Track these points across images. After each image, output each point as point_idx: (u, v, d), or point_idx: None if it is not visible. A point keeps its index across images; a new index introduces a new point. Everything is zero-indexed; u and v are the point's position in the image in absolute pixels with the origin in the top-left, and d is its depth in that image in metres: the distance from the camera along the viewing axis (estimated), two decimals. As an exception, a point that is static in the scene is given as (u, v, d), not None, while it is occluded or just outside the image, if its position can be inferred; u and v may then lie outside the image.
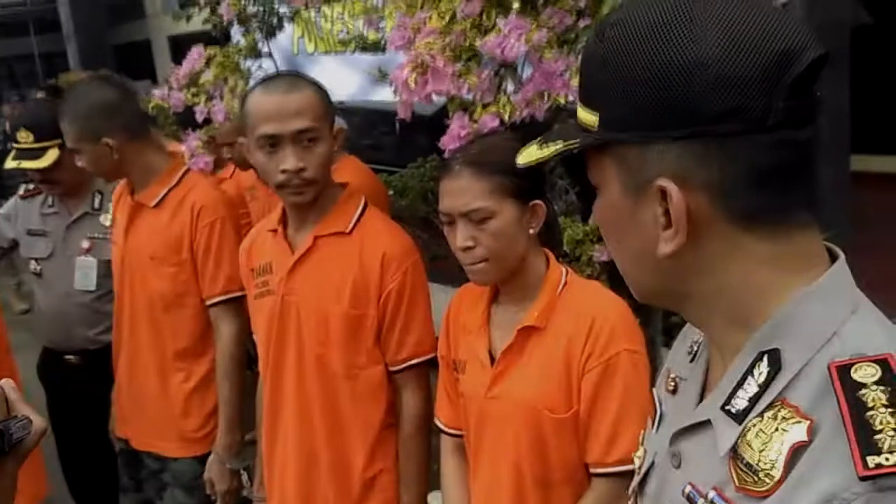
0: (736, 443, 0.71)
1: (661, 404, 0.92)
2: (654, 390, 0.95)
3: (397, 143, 5.31)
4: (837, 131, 3.38)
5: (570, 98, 1.53)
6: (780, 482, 0.66)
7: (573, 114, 0.82)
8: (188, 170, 2.16)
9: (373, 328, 1.75)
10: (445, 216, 1.43)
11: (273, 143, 1.64)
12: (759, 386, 0.71)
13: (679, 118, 0.68)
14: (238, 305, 2.06)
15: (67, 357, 2.55)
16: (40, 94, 6.01)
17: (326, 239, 1.76)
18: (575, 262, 1.96)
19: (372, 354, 1.77)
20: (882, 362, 0.65)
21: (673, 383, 0.90)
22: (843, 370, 0.66)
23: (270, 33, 2.01)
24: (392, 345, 1.76)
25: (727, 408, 0.74)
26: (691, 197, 0.69)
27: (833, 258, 0.74)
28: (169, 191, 2.13)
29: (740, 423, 0.71)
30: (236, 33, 2.48)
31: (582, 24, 1.55)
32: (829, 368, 0.67)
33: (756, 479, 0.69)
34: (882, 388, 0.63)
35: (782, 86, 0.66)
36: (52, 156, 2.39)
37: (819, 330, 0.70)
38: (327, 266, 1.76)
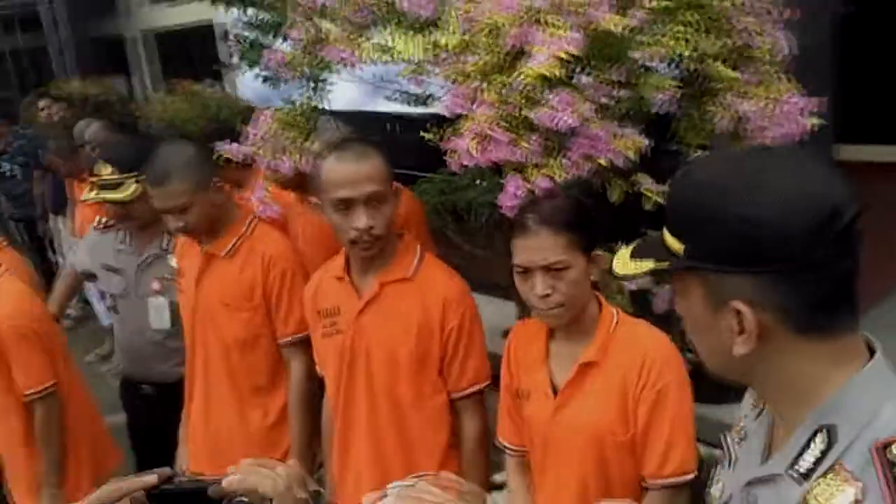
0: (805, 496, 0.93)
1: (732, 448, 1.15)
2: (726, 435, 1.18)
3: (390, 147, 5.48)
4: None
5: (611, 159, 1.75)
6: None
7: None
8: (254, 218, 2.32)
9: (436, 362, 1.97)
10: (522, 268, 1.64)
11: (347, 205, 1.85)
12: (820, 453, 0.93)
13: (752, 258, 0.89)
14: (307, 343, 2.25)
15: (143, 387, 2.70)
16: (43, 103, 5.93)
17: (391, 285, 1.97)
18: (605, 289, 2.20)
19: (436, 385, 1.99)
20: None
21: (742, 432, 1.13)
22: (881, 450, 0.88)
23: (316, 89, 2.19)
24: (454, 375, 1.98)
25: (793, 469, 0.96)
26: (760, 315, 0.91)
27: (870, 348, 0.96)
28: (239, 240, 2.30)
29: (805, 481, 0.94)
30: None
31: (622, 93, 1.77)
32: (870, 449, 0.89)
33: None
34: None
35: (831, 235, 0.88)
36: (131, 189, 2.49)
37: (865, 410, 0.91)
38: (393, 309, 1.97)
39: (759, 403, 1.11)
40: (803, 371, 0.95)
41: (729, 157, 1.05)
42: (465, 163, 1.75)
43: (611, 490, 1.69)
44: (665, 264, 0.99)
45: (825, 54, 3.19)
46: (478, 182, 3.62)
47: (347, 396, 2.05)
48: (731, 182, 0.92)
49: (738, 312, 0.93)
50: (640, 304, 2.16)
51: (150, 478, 0.87)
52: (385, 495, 0.61)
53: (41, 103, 6.01)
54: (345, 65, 1.96)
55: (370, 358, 2.00)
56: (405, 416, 2.00)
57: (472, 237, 3.76)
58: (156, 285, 2.61)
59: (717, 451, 1.18)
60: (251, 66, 2.47)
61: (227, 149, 2.17)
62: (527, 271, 1.64)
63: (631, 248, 1.09)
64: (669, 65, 1.87)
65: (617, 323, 1.71)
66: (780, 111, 1.80)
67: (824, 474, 0.92)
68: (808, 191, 0.90)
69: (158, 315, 2.62)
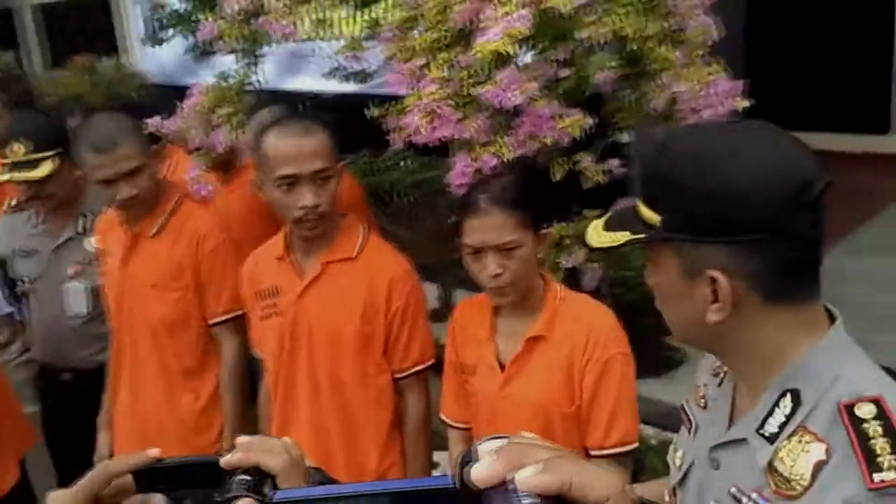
0: (771, 459, 0.98)
1: (693, 415, 1.19)
2: (685, 403, 1.23)
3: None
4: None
5: (554, 138, 1.78)
6: (807, 489, 0.93)
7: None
8: (180, 197, 2.24)
9: (381, 342, 1.96)
10: (473, 248, 1.65)
11: (291, 182, 1.81)
12: (785, 416, 0.98)
13: (727, 227, 0.94)
14: (239, 323, 2.20)
15: (62, 374, 2.57)
16: None
17: (335, 264, 1.95)
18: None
19: (380, 364, 1.98)
20: (876, 402, 0.93)
21: (703, 400, 1.17)
22: (849, 408, 0.93)
23: (251, 64, 2.13)
24: (398, 355, 1.98)
25: (761, 431, 1.00)
26: (734, 283, 0.95)
27: (831, 317, 1.02)
28: (167, 218, 2.22)
29: (772, 444, 0.98)
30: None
31: (562, 73, 1.81)
32: (838, 407, 0.94)
33: (789, 486, 0.95)
34: (878, 422, 0.90)
35: (803, 205, 0.93)
36: (47, 167, 2.35)
37: (826, 375, 0.97)
38: (337, 289, 1.95)
39: (721, 371, 1.15)
40: (770, 338, 0.99)
41: (704, 130, 1.08)
42: (415, 140, 1.75)
43: (558, 461, 1.73)
44: (641, 235, 1.02)
45: (738, 39, 3.35)
46: (402, 163, 3.63)
47: (288, 378, 2.02)
48: (709, 154, 0.96)
49: (714, 281, 0.96)
50: (569, 280, 2.22)
51: (139, 457, 0.83)
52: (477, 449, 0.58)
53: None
54: (285, 38, 1.91)
55: (312, 338, 1.97)
56: (348, 396, 1.98)
57: (395, 219, 3.77)
58: (71, 270, 2.49)
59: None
60: (186, 35, 2.37)
61: (153, 123, 2.09)
62: (478, 251, 1.65)
63: (604, 220, 1.12)
64: (607, 46, 1.91)
65: (562, 298, 1.75)
66: (712, 93, 1.87)
67: (790, 436, 0.97)
68: (782, 162, 0.94)
69: (75, 300, 2.50)
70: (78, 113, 4.19)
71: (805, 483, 0.94)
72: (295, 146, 1.80)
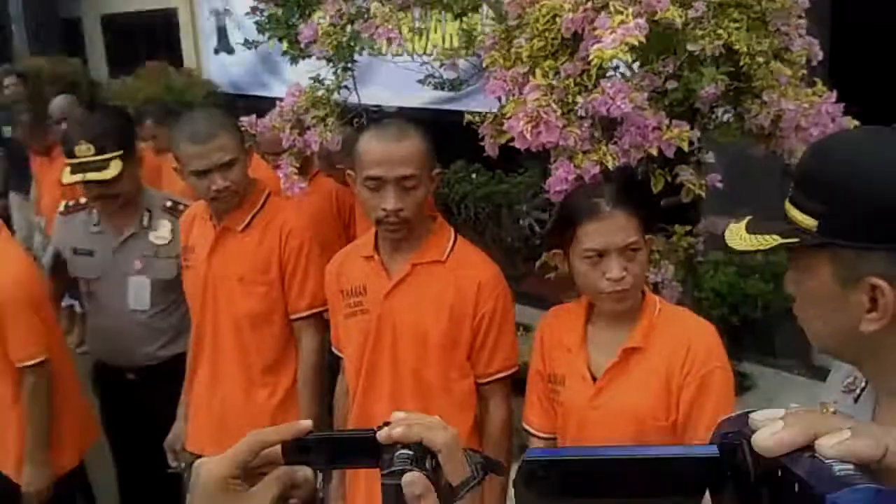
0: None
1: None
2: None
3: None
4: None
5: (660, 148, 1.77)
6: None
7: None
8: (269, 193, 2.27)
9: (466, 346, 1.95)
10: (595, 252, 1.62)
11: (377, 184, 1.83)
12: None
13: (893, 234, 0.91)
14: (321, 319, 2.21)
15: (127, 374, 2.57)
16: (9, 80, 5.72)
17: (423, 266, 1.95)
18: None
19: (463, 369, 1.97)
20: None
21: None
22: None
23: (346, 69, 2.16)
24: (483, 360, 1.97)
25: None
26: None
27: None
28: (255, 214, 2.25)
29: None
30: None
31: (669, 86, 1.80)
32: None
33: None
34: None
35: None
36: (116, 167, 2.38)
37: None
38: (424, 290, 1.95)
39: (856, 387, 1.11)
40: None
41: (869, 134, 1.06)
42: (518, 146, 1.75)
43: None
44: (794, 239, 0.99)
45: (826, 62, 3.34)
46: (474, 176, 3.65)
47: (369, 378, 2.01)
48: (874, 157, 0.93)
49: (874, 289, 0.93)
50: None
51: (290, 428, 0.82)
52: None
53: (6, 80, 5.78)
54: (389, 43, 1.93)
55: (397, 339, 1.97)
56: (430, 398, 1.97)
57: (462, 231, 3.77)
58: (138, 264, 2.51)
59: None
60: (280, 39, 2.42)
61: (249, 121, 2.12)
62: (600, 255, 1.63)
63: (745, 222, 1.10)
64: (712, 60, 1.90)
65: (660, 310, 1.73)
66: (823, 111, 1.85)
67: None
68: None
69: (139, 294, 2.52)
70: (152, 115, 4.31)
71: None
72: (385, 150, 1.82)
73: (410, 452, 0.77)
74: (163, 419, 2.48)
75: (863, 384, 1.10)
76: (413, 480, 0.73)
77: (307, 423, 0.82)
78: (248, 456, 0.80)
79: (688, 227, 2.25)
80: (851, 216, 0.94)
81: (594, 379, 1.73)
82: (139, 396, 2.56)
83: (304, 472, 0.82)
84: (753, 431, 0.50)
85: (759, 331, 3.36)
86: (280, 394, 2.30)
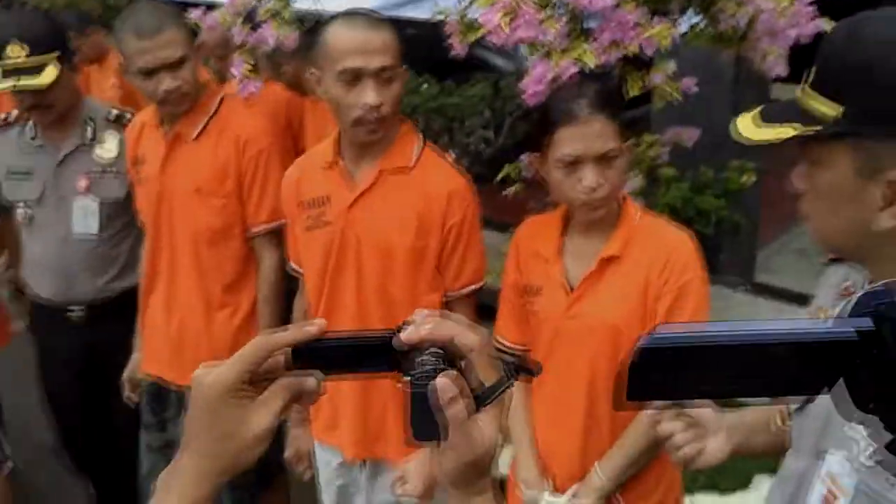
0: None
1: None
2: None
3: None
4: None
5: (640, 47, 1.68)
6: None
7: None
8: (223, 97, 2.10)
9: (433, 258, 1.87)
10: (571, 158, 1.54)
11: (355, 76, 1.69)
12: None
13: None
14: (280, 235, 2.09)
15: (70, 310, 2.34)
16: None
17: (390, 174, 1.84)
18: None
19: (431, 282, 1.89)
20: None
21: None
22: None
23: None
24: (451, 273, 1.89)
25: None
26: None
27: None
28: (209, 120, 2.08)
29: None
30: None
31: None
32: None
33: None
34: None
35: None
36: (51, 73, 2.12)
37: None
38: (391, 200, 1.84)
39: (853, 290, 1.08)
40: None
41: None
42: (494, 40, 1.63)
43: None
44: (816, 128, 0.93)
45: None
46: (424, 86, 3.49)
47: (332, 294, 1.92)
48: None
49: (892, 184, 0.88)
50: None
51: (300, 331, 0.73)
52: None
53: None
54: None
55: (361, 251, 1.87)
56: (397, 313, 1.89)
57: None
58: (82, 182, 2.27)
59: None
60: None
61: (196, 15, 1.94)
62: (575, 163, 1.55)
63: (757, 111, 1.03)
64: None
65: (640, 218, 1.68)
66: (798, 11, 1.78)
67: None
68: None
69: (85, 218, 2.28)
70: (70, 26, 3.95)
71: None
72: (362, 38, 1.68)
73: (441, 352, 0.69)
74: (114, 368, 2.30)
75: (853, 284, 1.07)
76: (446, 384, 0.66)
77: (321, 323, 0.74)
78: (257, 360, 0.72)
79: (655, 136, 2.19)
80: (880, 103, 0.88)
81: (571, 289, 1.68)
82: (86, 340, 2.35)
83: (312, 380, 0.74)
84: None
85: (706, 247, 3.38)
86: (241, 314, 2.19)
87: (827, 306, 1.13)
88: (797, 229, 4.74)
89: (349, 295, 1.90)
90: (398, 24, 1.87)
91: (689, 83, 1.85)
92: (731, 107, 3.66)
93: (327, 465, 2.05)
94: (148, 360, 2.28)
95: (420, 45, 2.23)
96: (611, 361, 1.66)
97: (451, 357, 0.69)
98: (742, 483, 2.66)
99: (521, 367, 0.72)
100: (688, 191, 3.30)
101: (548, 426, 1.77)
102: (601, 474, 1.66)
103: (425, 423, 0.68)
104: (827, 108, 0.92)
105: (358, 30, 1.69)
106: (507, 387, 0.70)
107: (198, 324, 2.18)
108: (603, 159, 1.54)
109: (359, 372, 0.76)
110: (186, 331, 2.19)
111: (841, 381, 0.49)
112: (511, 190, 2.43)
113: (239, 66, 2.01)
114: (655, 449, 1.67)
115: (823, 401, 1.08)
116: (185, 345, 2.19)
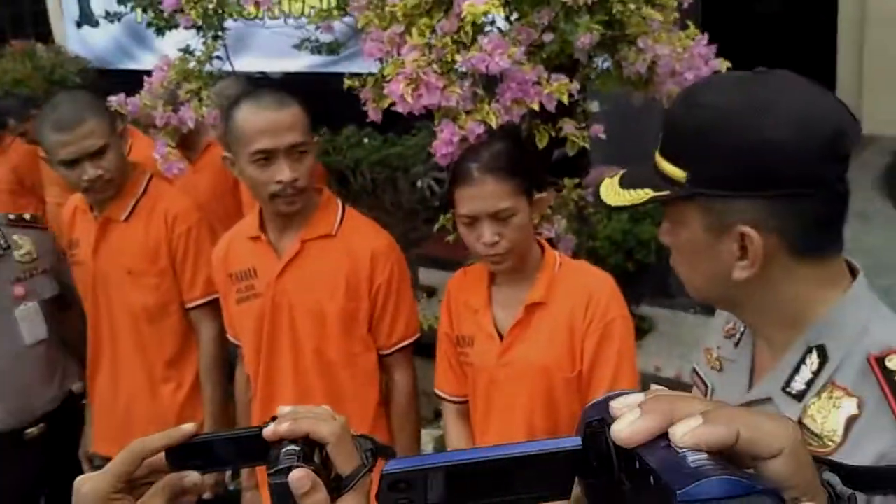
0: (801, 416, 0.95)
1: (708, 378, 1.15)
2: (696, 367, 1.19)
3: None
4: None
5: (541, 103, 1.75)
6: (840, 444, 0.91)
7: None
8: (151, 177, 2.13)
9: (366, 319, 1.91)
10: (468, 218, 1.62)
11: (267, 157, 1.74)
12: (812, 373, 0.95)
13: (761, 181, 0.90)
14: (217, 306, 2.11)
15: (29, 432, 2.19)
16: None
17: (314, 242, 1.88)
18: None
19: (366, 342, 1.93)
20: None
21: (718, 363, 1.14)
22: (880, 360, 0.91)
23: (217, 37, 2.04)
24: (384, 331, 1.93)
25: (787, 390, 0.98)
26: (765, 238, 0.91)
27: (852, 270, 0.99)
28: (137, 201, 2.10)
29: (800, 401, 0.96)
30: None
31: (546, 38, 1.77)
32: (868, 360, 0.91)
33: (821, 442, 0.93)
34: None
35: (837, 157, 0.90)
36: None
37: (853, 329, 0.94)
38: (318, 267, 1.88)
39: (736, 332, 1.11)
40: (797, 294, 0.97)
41: (730, 81, 1.04)
42: (401, 109, 1.69)
43: (558, 429, 1.71)
44: (665, 192, 0.97)
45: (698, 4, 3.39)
46: (366, 140, 3.56)
47: (270, 361, 1.95)
48: (739, 106, 0.91)
49: (743, 237, 0.92)
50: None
51: (172, 434, 0.76)
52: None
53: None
54: (257, 7, 1.82)
55: (294, 319, 1.90)
56: (335, 376, 1.92)
57: (358, 197, 3.69)
58: (19, 290, 2.14)
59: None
60: (144, 10, 2.25)
61: (117, 101, 1.98)
62: (473, 221, 1.62)
63: (617, 177, 1.07)
64: (587, 10, 1.89)
65: (560, 264, 1.73)
66: (695, 54, 1.87)
67: (818, 393, 0.95)
68: (815, 112, 0.90)
69: (32, 324, 2.16)
70: (12, 113, 3.96)
71: (838, 439, 0.92)
72: (270, 119, 1.73)
73: (297, 448, 0.72)
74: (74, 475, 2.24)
75: (742, 328, 1.11)
76: (300, 477, 0.68)
77: (189, 427, 0.77)
78: (130, 467, 0.74)
79: (576, 180, 2.26)
80: (718, 166, 0.92)
81: (501, 337, 1.73)
82: (43, 461, 2.23)
83: (192, 476, 0.76)
84: (614, 419, 0.47)
85: (653, 274, 3.44)
86: (185, 388, 2.20)
87: (713, 346, 1.18)
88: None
89: (286, 361, 1.93)
90: (337, 79, 1.91)
91: (598, 129, 1.92)
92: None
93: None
94: (98, 439, 2.27)
95: (360, 99, 2.28)
96: (547, 399, 1.70)
97: (312, 448, 0.73)
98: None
99: (378, 451, 0.76)
100: (626, 222, 3.37)
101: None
102: None
103: None
104: (675, 172, 0.96)
105: (266, 111, 1.74)
106: (368, 470, 0.73)
107: (144, 400, 2.18)
108: (497, 217, 1.60)
109: (233, 467, 0.79)
110: (133, 408, 2.19)
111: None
112: (450, 238, 2.49)
113: (161, 148, 2.05)
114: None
115: None
116: (134, 422, 2.18)
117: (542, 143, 1.86)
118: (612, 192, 1.05)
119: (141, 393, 2.18)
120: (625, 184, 1.04)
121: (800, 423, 0.95)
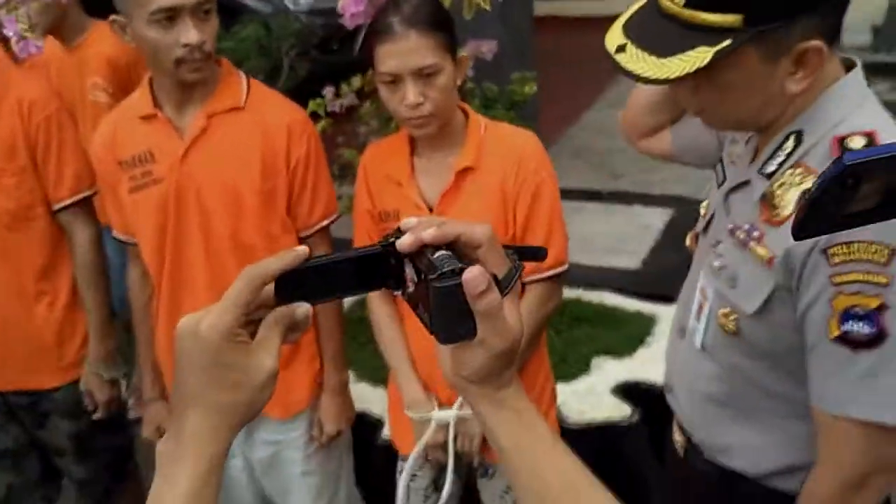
0: (766, 191, 1.08)
1: (723, 170, 1.26)
2: (722, 159, 1.28)
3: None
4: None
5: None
6: (790, 216, 1.02)
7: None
8: None
9: (284, 197, 1.79)
10: (390, 76, 1.53)
11: (170, 16, 1.54)
12: (786, 155, 1.08)
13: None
14: (90, 206, 1.89)
15: None
16: None
17: (221, 116, 1.72)
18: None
19: (285, 223, 1.82)
20: (869, 135, 1.05)
21: (734, 156, 1.25)
22: (841, 140, 1.03)
23: None
24: (304, 211, 1.83)
25: (761, 171, 1.10)
26: (823, 45, 1.00)
27: (849, 67, 1.10)
28: None
29: (769, 179, 1.08)
30: None
31: None
32: (830, 141, 1.04)
33: (775, 212, 1.06)
34: None
35: None
36: None
37: (834, 117, 1.06)
38: (228, 143, 1.73)
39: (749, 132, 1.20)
40: (817, 90, 1.06)
41: None
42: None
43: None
44: (725, 43, 0.97)
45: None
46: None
47: (177, 253, 1.78)
48: None
49: (803, 53, 0.99)
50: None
51: (285, 258, 0.70)
52: None
53: None
54: None
55: (204, 203, 1.75)
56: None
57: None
58: None
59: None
60: None
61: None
62: (395, 80, 1.54)
63: (634, 49, 1.03)
64: None
65: (486, 127, 1.72)
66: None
67: (784, 171, 1.06)
68: None
69: None
70: None
71: (788, 211, 1.03)
72: None
73: (449, 252, 0.68)
74: None
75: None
76: (476, 275, 0.65)
77: (304, 249, 0.71)
78: (251, 295, 0.68)
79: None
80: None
81: (430, 208, 1.70)
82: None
83: (304, 307, 0.71)
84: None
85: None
86: (62, 302, 1.97)
87: (734, 150, 1.26)
88: (571, 130, 5.11)
89: (197, 250, 1.78)
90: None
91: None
92: (501, 21, 3.82)
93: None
94: None
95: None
96: None
97: (459, 256, 0.68)
98: (582, 368, 2.90)
99: (525, 254, 0.74)
100: (480, 107, 3.41)
101: (420, 346, 1.78)
102: None
103: (454, 322, 0.67)
104: (724, 19, 0.98)
105: None
106: (518, 274, 0.71)
107: (16, 318, 1.93)
108: (421, 75, 1.53)
109: (346, 294, 0.74)
110: (6, 328, 1.93)
111: None
112: (319, 126, 2.39)
113: (13, 26, 1.73)
114: (535, 343, 1.77)
115: (715, 220, 1.25)
116: (8, 344, 1.93)
117: (446, 2, 1.79)
118: (646, 63, 1.01)
119: (13, 311, 1.93)
120: (657, 50, 1.01)
121: (763, 197, 1.07)
